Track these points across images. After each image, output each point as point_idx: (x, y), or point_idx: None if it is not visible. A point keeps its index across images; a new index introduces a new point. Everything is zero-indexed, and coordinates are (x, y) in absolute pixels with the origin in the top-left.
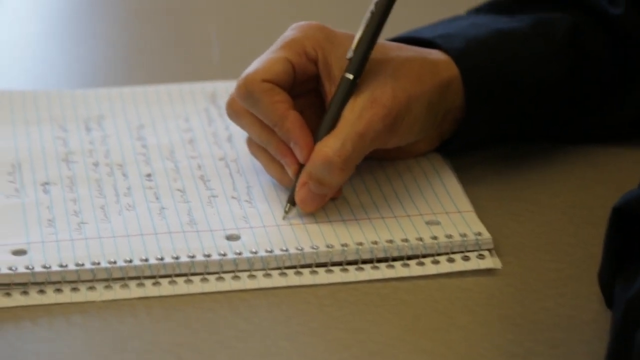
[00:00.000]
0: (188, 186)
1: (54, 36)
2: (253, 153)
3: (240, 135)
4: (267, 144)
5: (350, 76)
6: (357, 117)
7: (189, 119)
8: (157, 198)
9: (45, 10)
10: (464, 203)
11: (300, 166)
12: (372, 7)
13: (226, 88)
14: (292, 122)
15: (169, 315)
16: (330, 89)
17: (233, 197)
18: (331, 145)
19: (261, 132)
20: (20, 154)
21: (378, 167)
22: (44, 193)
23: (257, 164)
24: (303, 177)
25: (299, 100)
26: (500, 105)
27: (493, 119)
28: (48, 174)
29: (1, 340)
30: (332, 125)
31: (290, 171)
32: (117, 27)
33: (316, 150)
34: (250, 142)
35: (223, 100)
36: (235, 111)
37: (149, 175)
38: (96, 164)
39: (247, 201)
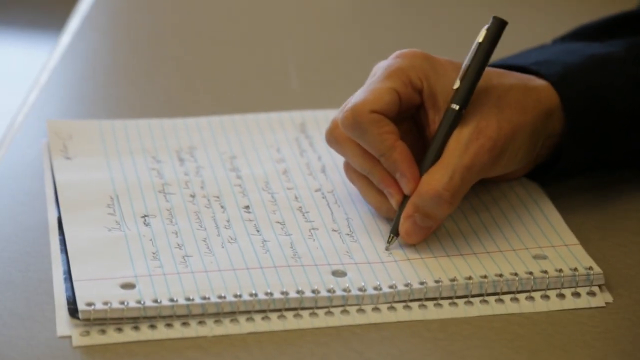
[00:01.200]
0: (287, 218)
1: (129, 67)
2: (351, 179)
3: (333, 166)
4: (370, 173)
5: (456, 107)
6: (463, 149)
7: (280, 149)
8: (257, 230)
9: (120, 41)
10: (569, 235)
11: (404, 197)
12: (479, 37)
13: (315, 117)
14: (400, 154)
15: (282, 350)
16: (434, 119)
17: (334, 230)
18: (439, 178)
19: (364, 160)
20: (117, 186)
21: (472, 194)
22: (145, 225)
23: (354, 195)
24: (409, 209)
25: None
26: (597, 130)
27: (591, 144)
28: (146, 206)
29: None
30: (437, 156)
31: (394, 202)
32: (192, 56)
33: (423, 183)
34: (349, 168)
35: (312, 130)
36: (336, 139)
37: (247, 207)
38: (193, 196)
39: (348, 234)
